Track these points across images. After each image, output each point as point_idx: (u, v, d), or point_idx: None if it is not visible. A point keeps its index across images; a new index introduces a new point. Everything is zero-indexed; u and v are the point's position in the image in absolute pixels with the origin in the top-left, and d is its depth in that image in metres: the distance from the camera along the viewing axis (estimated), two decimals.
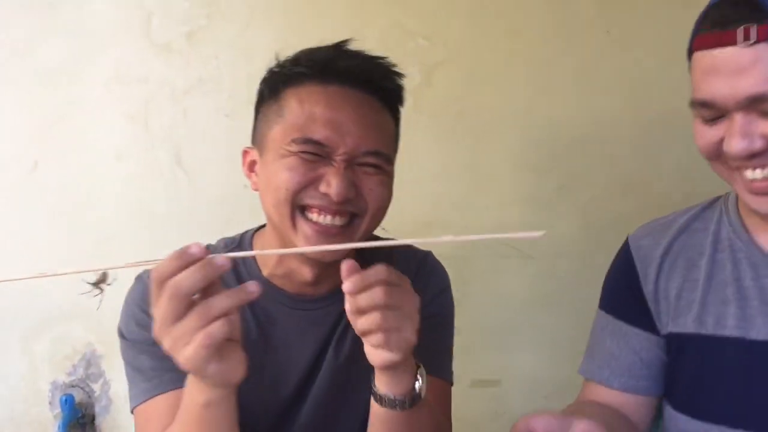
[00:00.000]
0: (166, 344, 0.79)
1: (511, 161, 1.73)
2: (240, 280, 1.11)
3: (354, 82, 1.06)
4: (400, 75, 1.11)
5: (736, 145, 0.92)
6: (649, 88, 1.69)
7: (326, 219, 1.02)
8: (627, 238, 1.20)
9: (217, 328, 0.77)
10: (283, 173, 1.02)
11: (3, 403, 1.80)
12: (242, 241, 1.18)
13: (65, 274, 0.89)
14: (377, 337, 0.86)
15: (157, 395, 1.04)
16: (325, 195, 1.02)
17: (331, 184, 1.01)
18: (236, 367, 0.85)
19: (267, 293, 1.08)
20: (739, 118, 0.92)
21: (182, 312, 0.77)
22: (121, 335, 1.09)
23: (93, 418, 1.78)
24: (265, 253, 1.13)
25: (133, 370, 1.07)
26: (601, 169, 1.72)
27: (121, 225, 1.72)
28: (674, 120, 1.70)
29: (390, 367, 0.92)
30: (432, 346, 1.15)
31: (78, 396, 1.76)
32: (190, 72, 1.70)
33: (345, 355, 1.15)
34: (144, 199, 1.72)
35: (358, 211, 1.05)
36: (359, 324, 0.87)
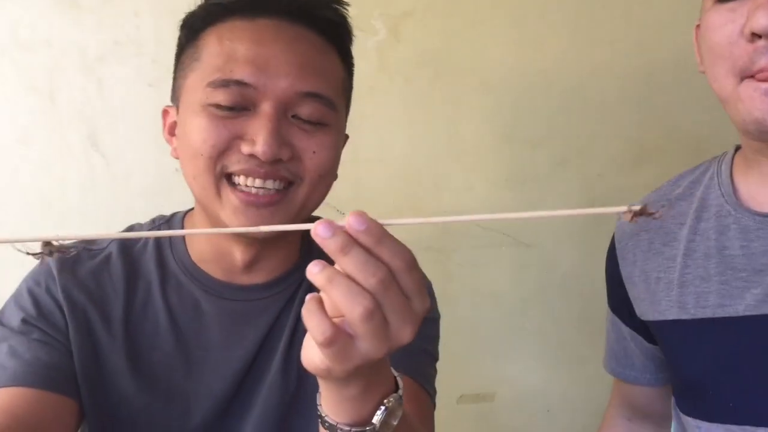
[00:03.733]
0: None
1: (498, 131, 1.68)
2: (163, 263, 1.06)
3: (287, 14, 0.99)
4: (341, 3, 1.04)
5: (764, 17, 0.85)
6: (661, 34, 1.64)
7: (255, 183, 0.94)
8: None
9: None
10: (196, 135, 0.94)
11: None
12: (172, 221, 1.13)
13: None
14: (365, 328, 0.64)
15: None
16: (251, 156, 0.93)
17: (256, 140, 0.92)
18: None
19: (193, 281, 1.04)
20: None
21: None
22: None
23: None
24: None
25: None
26: (607, 137, 1.68)
27: (26, 222, 1.63)
28: (692, 73, 1.68)
29: (345, 376, 0.70)
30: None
31: None
32: (103, 33, 1.61)
33: (297, 367, 1.05)
34: (53, 190, 1.63)
35: (292, 178, 0.97)
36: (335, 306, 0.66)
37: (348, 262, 0.64)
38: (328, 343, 0.65)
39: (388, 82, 1.61)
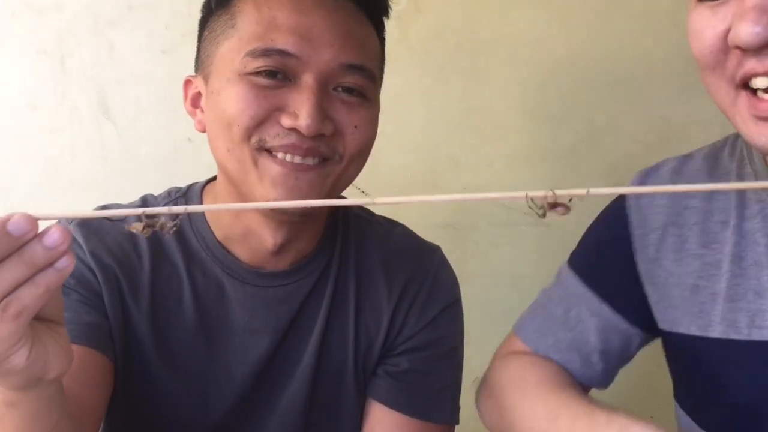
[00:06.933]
0: None
1: (521, 106, 1.67)
2: (184, 240, 1.06)
3: None
4: None
5: (747, 29, 0.77)
6: None
7: (294, 159, 0.94)
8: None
9: (28, 294, 0.62)
10: (232, 105, 0.93)
11: None
12: (189, 194, 1.11)
13: None
14: None
15: None
16: (292, 130, 0.93)
17: (300, 113, 0.92)
18: (55, 356, 0.68)
19: (216, 262, 1.04)
20: None
21: None
22: None
23: None
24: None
25: None
26: (634, 116, 1.66)
27: (32, 190, 1.66)
28: None
29: None
30: (433, 384, 1.10)
31: None
32: None
33: (331, 359, 1.08)
34: (62, 157, 1.66)
35: (331, 155, 0.97)
36: None
37: None
38: None
39: (408, 54, 1.62)
